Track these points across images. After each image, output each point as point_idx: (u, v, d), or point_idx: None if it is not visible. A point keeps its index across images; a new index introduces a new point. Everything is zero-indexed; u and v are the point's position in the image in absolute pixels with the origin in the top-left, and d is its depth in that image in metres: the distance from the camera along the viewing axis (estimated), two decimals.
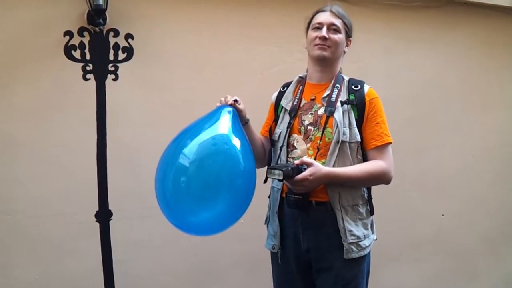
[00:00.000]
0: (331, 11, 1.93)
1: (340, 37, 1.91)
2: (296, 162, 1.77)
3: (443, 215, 3.34)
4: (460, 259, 3.43)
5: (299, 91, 2.01)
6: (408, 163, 3.13)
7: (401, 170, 2.91)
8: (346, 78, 1.98)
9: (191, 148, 1.69)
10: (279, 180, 1.74)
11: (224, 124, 1.79)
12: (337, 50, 1.92)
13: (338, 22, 1.91)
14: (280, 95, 2.08)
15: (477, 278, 3.52)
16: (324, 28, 1.89)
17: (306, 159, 1.77)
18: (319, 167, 1.75)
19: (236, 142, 1.75)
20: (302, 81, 2.05)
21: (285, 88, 2.09)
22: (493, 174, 3.47)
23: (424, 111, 3.21)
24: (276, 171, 1.68)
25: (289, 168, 1.69)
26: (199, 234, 1.89)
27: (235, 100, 1.88)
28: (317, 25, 1.92)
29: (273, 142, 2.03)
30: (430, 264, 3.35)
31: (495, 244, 3.54)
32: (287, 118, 1.98)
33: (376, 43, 3.05)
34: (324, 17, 1.92)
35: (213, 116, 1.82)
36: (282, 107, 2.03)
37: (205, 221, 1.72)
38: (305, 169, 1.74)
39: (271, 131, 2.07)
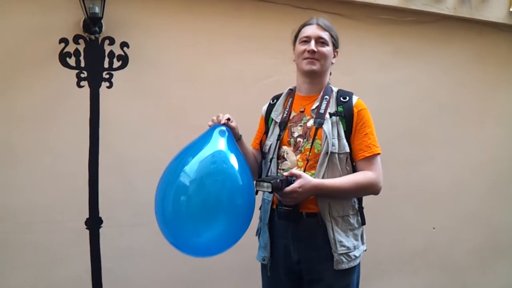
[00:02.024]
0: (318, 24, 1.95)
1: (328, 49, 1.94)
2: (286, 174, 1.78)
3: (434, 228, 3.35)
4: (450, 272, 3.44)
5: (289, 103, 2.02)
6: (400, 175, 3.14)
7: (393, 182, 2.93)
8: (335, 90, 1.99)
9: (191, 168, 1.70)
10: (268, 192, 1.74)
11: (221, 144, 1.80)
12: (325, 63, 1.94)
13: (325, 35, 1.93)
14: (270, 107, 2.10)
15: None
16: (312, 42, 1.91)
17: (295, 171, 1.78)
18: (308, 179, 1.76)
19: (234, 161, 1.77)
20: (291, 93, 2.07)
21: (275, 100, 2.10)
22: (485, 188, 3.49)
23: (417, 124, 3.23)
24: (265, 184, 1.68)
25: (278, 180, 1.69)
26: (198, 255, 1.91)
27: (228, 119, 1.89)
28: (304, 39, 1.94)
29: (263, 154, 2.03)
30: (420, 277, 3.35)
31: (485, 258, 3.55)
32: (277, 130, 1.99)
33: (371, 56, 3.08)
34: (311, 30, 1.94)
35: (208, 137, 1.82)
36: (272, 119, 2.04)
37: (206, 242, 1.73)
38: (294, 180, 1.74)
39: (261, 143, 2.08)
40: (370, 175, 1.87)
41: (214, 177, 1.72)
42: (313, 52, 1.90)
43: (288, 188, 1.72)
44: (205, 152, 1.76)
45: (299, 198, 1.76)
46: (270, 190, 1.67)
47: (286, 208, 1.81)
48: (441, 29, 3.23)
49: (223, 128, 1.86)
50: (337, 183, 1.82)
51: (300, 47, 1.95)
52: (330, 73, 2.04)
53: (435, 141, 3.31)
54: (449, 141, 3.35)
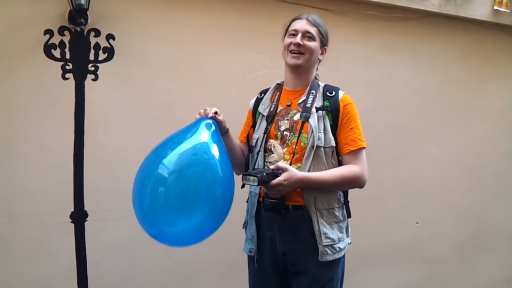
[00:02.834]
0: (307, 19, 1.97)
1: (314, 44, 1.95)
2: (272, 167, 1.80)
3: (417, 223, 3.40)
4: (433, 266, 3.49)
5: (276, 97, 2.04)
6: (385, 170, 3.18)
7: (378, 177, 2.96)
8: (322, 85, 2.02)
9: (171, 158, 1.70)
10: (254, 185, 1.76)
11: (204, 136, 1.80)
12: (311, 57, 1.96)
13: (313, 30, 1.95)
14: (258, 101, 2.11)
15: (449, 286, 3.57)
16: (299, 35, 1.93)
17: (281, 164, 1.80)
18: (293, 172, 1.78)
19: (215, 152, 1.78)
20: (279, 87, 2.09)
21: (263, 94, 2.12)
22: (468, 184, 3.54)
23: (402, 120, 3.27)
24: (251, 177, 1.70)
25: (264, 174, 1.72)
26: (176, 244, 1.90)
27: (215, 112, 1.89)
28: (292, 32, 1.96)
29: (250, 148, 2.05)
30: (404, 271, 3.40)
31: (469, 252, 3.62)
32: (264, 123, 2.01)
33: (357, 52, 3.10)
34: (300, 24, 1.96)
35: (192, 128, 1.83)
36: (260, 113, 2.06)
37: (183, 231, 1.73)
38: (280, 173, 1.77)
39: (248, 137, 2.09)
40: (355, 169, 1.89)
41: (194, 168, 1.73)
42: (298, 45, 1.92)
43: (274, 181, 1.75)
44: (188, 143, 1.76)
45: (285, 191, 1.79)
46: (256, 183, 1.69)
47: (272, 200, 1.84)
48: (427, 26, 3.27)
49: (209, 121, 1.87)
50: (323, 176, 1.85)
51: (287, 40, 1.97)
52: (317, 69, 2.06)
53: (420, 136, 3.35)
54: (434, 136, 3.39)
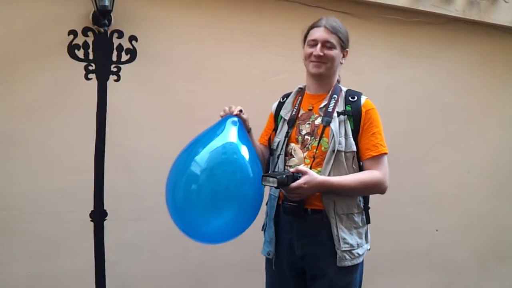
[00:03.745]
0: (325, 27, 1.93)
1: (335, 52, 1.94)
2: (292, 170, 1.80)
3: (437, 230, 3.36)
4: (452, 274, 3.44)
5: (298, 101, 2.05)
6: (404, 176, 3.15)
7: (397, 183, 2.91)
8: (344, 89, 2.01)
9: (203, 157, 1.76)
10: (274, 187, 1.77)
11: (233, 134, 1.85)
12: (332, 65, 1.95)
13: (332, 38, 1.92)
14: (280, 105, 2.12)
15: None
16: (319, 46, 1.92)
17: (301, 167, 1.80)
18: (313, 176, 1.78)
19: (245, 152, 1.83)
20: (301, 91, 2.09)
21: (285, 98, 2.12)
22: (488, 191, 3.49)
23: (422, 125, 3.24)
24: (271, 179, 1.70)
25: (284, 176, 1.72)
26: (209, 242, 1.96)
27: (240, 111, 1.93)
28: (312, 42, 1.95)
29: (271, 151, 2.06)
30: (422, 278, 3.36)
31: (487, 260, 3.56)
32: (285, 127, 2.02)
33: (378, 56, 3.08)
34: (319, 33, 1.94)
35: (220, 126, 1.88)
36: (282, 117, 2.07)
37: (215, 229, 1.78)
38: (300, 177, 1.76)
39: (270, 140, 2.10)
40: (376, 174, 1.88)
41: (224, 167, 1.78)
42: (319, 56, 1.91)
43: (294, 184, 1.74)
44: (217, 142, 1.82)
45: (304, 194, 1.78)
46: (275, 185, 1.70)
47: (291, 203, 1.85)
48: (449, 31, 3.23)
49: (235, 118, 1.91)
50: (343, 181, 1.84)
51: (308, 50, 1.96)
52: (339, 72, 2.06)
53: (439, 142, 3.31)
54: (453, 143, 3.35)
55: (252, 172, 1.79)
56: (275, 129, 2.09)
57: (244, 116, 1.95)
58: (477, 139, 3.43)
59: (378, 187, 1.90)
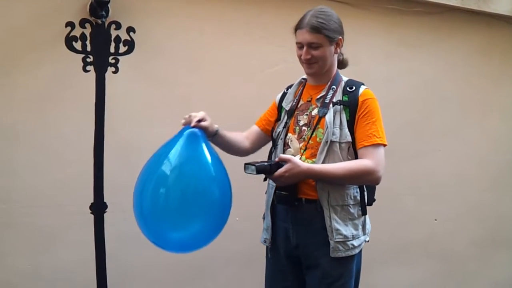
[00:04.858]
0: (307, 29, 1.88)
1: (323, 50, 1.90)
2: (277, 159, 1.85)
3: (435, 219, 3.37)
4: (451, 263, 3.46)
5: (299, 92, 2.06)
6: (403, 166, 3.15)
7: (396, 173, 2.94)
8: (345, 79, 2.00)
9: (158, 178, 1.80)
10: (254, 174, 1.81)
11: (184, 153, 1.78)
12: (324, 62, 1.94)
13: (316, 39, 1.87)
14: (283, 96, 2.13)
15: (466, 284, 3.55)
16: (305, 48, 1.90)
17: (284, 155, 1.84)
18: (296, 164, 1.79)
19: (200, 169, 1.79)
20: (303, 82, 2.10)
21: (288, 89, 2.13)
22: (487, 181, 3.50)
23: (421, 115, 3.24)
24: (252, 167, 1.78)
25: (266, 164, 1.79)
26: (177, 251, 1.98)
27: (199, 120, 1.79)
28: (298, 44, 1.94)
29: (273, 141, 2.09)
30: (421, 268, 3.37)
31: (486, 250, 3.58)
32: (285, 118, 2.04)
33: (377, 46, 3.07)
34: (302, 36, 1.90)
35: (174, 143, 1.78)
36: (283, 107, 2.08)
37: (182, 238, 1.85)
38: (284, 165, 1.80)
39: (272, 131, 2.12)
40: (366, 163, 1.85)
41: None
42: (307, 58, 1.91)
43: (276, 173, 1.79)
44: (169, 161, 1.77)
45: (287, 182, 1.83)
46: (255, 172, 1.78)
47: (283, 193, 1.91)
48: (448, 21, 3.22)
49: (195, 130, 1.78)
50: (327, 168, 1.84)
51: (297, 51, 1.96)
52: (343, 56, 2.05)
53: (438, 133, 3.32)
54: (452, 133, 3.36)
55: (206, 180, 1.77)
56: (278, 120, 2.11)
57: (206, 123, 1.81)
58: (475, 129, 3.44)
59: (367, 176, 1.86)
